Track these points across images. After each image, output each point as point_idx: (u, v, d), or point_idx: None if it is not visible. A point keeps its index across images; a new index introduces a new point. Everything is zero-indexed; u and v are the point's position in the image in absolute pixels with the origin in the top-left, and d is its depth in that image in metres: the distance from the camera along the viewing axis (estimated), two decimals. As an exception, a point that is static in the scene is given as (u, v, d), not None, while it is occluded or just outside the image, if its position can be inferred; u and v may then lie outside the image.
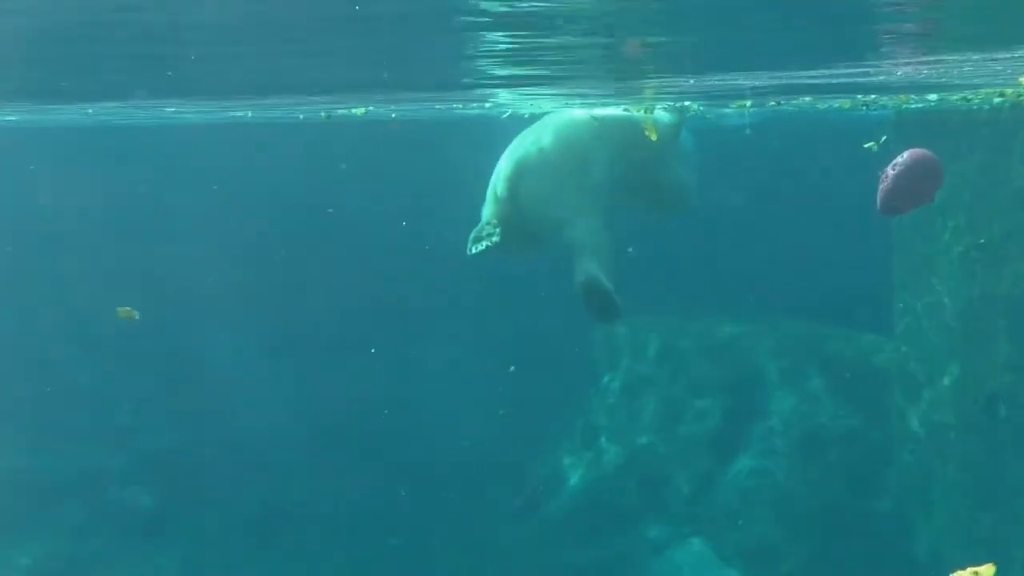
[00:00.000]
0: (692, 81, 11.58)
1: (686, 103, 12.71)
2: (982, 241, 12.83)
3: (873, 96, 13.69)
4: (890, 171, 7.23)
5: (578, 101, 13.25)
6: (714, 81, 11.68)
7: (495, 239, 9.83)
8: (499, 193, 10.05)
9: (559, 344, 16.35)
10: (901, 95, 13.37)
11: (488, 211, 10.14)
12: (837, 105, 14.60)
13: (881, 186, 7.21)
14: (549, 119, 10.50)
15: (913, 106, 14.05)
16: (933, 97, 13.50)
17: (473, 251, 9.90)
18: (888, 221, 13.84)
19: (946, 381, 13.56)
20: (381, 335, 16.82)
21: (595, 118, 10.38)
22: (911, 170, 7.16)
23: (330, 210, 16.66)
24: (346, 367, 16.88)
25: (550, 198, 9.95)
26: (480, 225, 10.06)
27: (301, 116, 15.68)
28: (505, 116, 14.49)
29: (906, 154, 7.26)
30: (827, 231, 16.20)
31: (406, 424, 16.84)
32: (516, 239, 10.03)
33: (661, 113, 11.05)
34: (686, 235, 14.60)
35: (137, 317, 10.03)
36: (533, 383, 15.91)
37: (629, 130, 10.44)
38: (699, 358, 15.60)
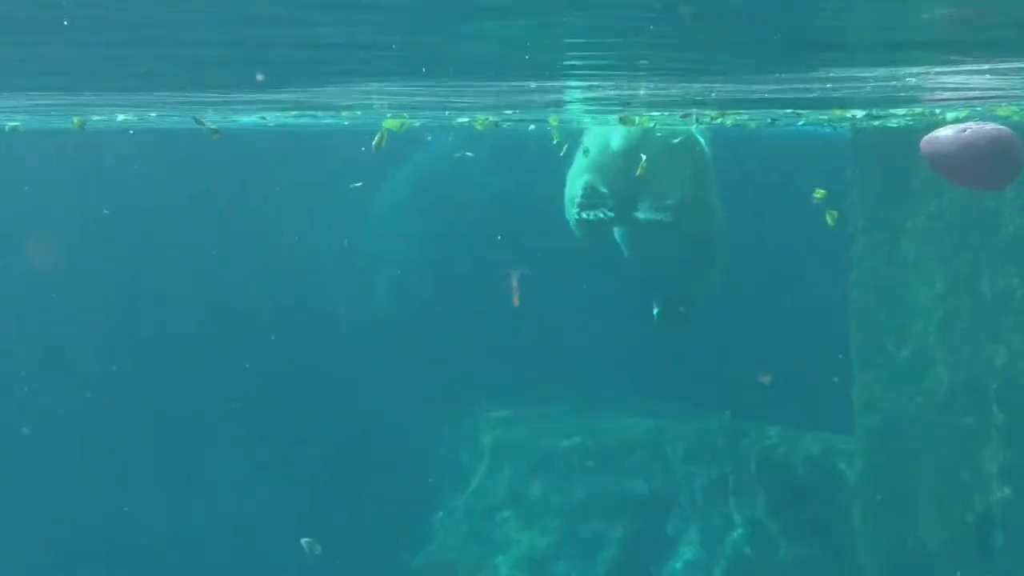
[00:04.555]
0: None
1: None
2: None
3: (807, 111, 13.18)
4: (976, 128, 7.17)
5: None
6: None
7: (610, 212, 10.63)
8: (615, 147, 11.00)
9: (393, 448, 15.48)
10: (840, 109, 12.68)
11: (590, 177, 10.94)
12: (772, 121, 13.87)
13: (956, 132, 7.09)
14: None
15: (874, 123, 13.55)
16: (901, 112, 12.83)
17: (584, 216, 10.64)
18: (845, 281, 13.49)
19: (923, 496, 12.97)
20: (139, 433, 15.29)
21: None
22: (987, 147, 7.11)
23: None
24: (88, 476, 15.30)
25: (664, 170, 10.99)
26: (585, 190, 10.77)
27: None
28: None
29: (994, 130, 7.15)
30: (764, 290, 15.35)
31: (172, 562, 15.40)
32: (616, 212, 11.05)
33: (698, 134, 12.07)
34: (570, 298, 14.52)
35: None
36: (355, 504, 15.32)
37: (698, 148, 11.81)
38: (590, 465, 14.79)
